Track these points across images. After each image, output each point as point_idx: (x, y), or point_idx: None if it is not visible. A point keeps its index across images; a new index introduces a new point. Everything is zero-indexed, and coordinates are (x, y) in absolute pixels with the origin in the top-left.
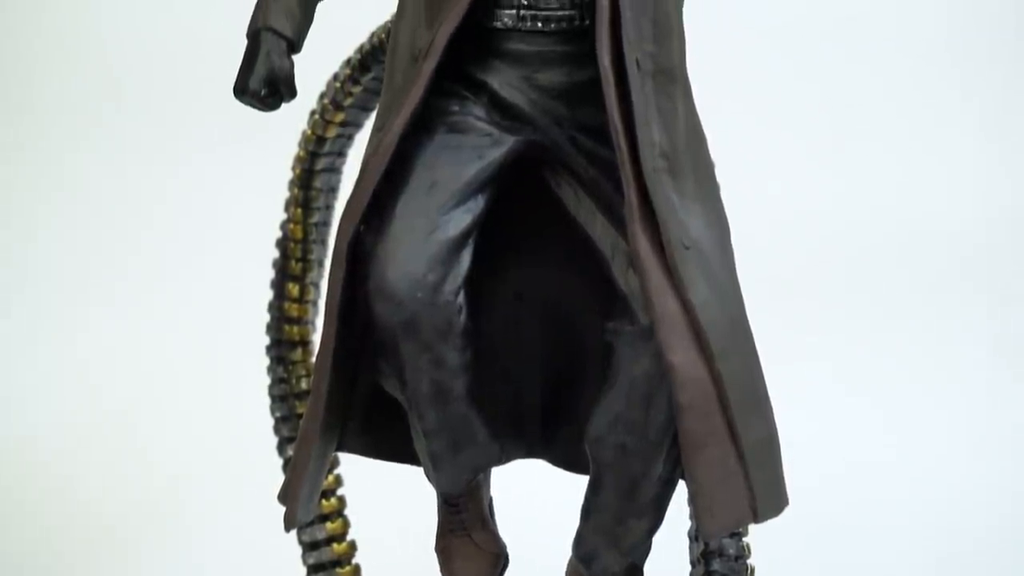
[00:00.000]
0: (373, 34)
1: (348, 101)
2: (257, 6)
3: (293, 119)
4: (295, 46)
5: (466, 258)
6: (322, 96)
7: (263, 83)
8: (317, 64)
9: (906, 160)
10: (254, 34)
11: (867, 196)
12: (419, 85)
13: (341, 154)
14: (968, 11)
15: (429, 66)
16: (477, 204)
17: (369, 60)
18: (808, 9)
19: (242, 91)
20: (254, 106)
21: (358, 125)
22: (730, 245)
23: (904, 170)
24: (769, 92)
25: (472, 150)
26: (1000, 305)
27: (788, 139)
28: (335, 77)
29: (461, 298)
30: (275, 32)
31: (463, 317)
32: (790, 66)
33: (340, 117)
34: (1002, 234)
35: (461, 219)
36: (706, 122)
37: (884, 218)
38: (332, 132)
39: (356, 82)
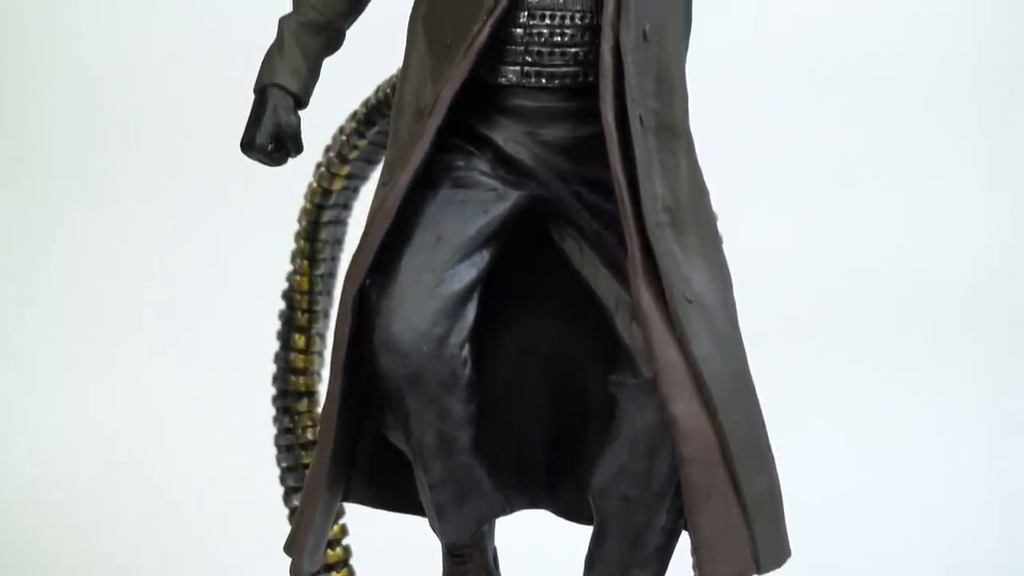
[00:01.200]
0: (379, 88)
1: (354, 154)
2: (264, 62)
3: (299, 172)
4: (302, 102)
5: (471, 311)
6: (328, 149)
7: (270, 138)
8: (323, 117)
9: (909, 210)
10: (261, 90)
11: (870, 246)
12: (424, 141)
13: (347, 207)
14: (974, 61)
15: (434, 122)
16: (482, 258)
17: (375, 114)
18: (812, 59)
19: (249, 146)
20: (261, 161)
21: (364, 178)
22: (732, 298)
23: (907, 221)
24: (772, 142)
25: (477, 205)
26: (1002, 356)
27: (791, 189)
28: (341, 130)
29: (466, 351)
30: (282, 88)
31: (468, 370)
32: (792, 116)
33: (346, 170)
34: (1006, 284)
35: (466, 273)
36: (709, 172)
37: (887, 268)
38: (338, 185)
39: (362, 136)
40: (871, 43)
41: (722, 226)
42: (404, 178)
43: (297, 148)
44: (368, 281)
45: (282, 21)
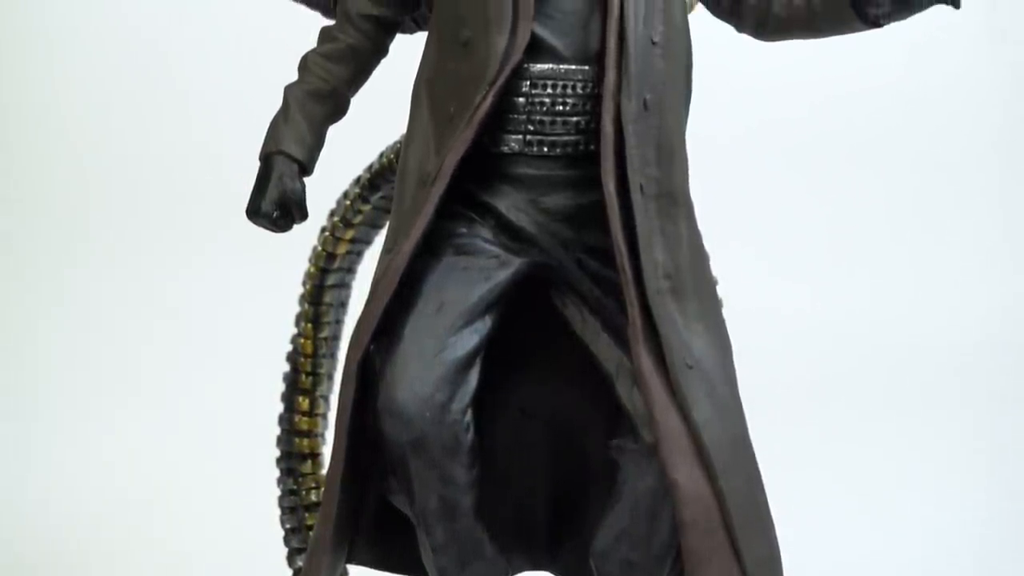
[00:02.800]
0: (383, 154)
1: (358, 219)
2: (270, 130)
3: (304, 235)
4: (307, 169)
5: (473, 377)
6: (332, 213)
7: (275, 206)
8: (327, 182)
9: (915, 277)
10: (266, 157)
11: (875, 312)
12: (427, 209)
13: (351, 270)
14: (981, 133)
15: (437, 191)
16: (484, 324)
17: (379, 179)
18: (821, 128)
19: (255, 213)
20: (266, 228)
21: (368, 242)
22: (732, 363)
23: (913, 288)
24: (778, 208)
25: (479, 272)
26: (1000, 417)
27: (796, 255)
28: (345, 195)
29: (468, 416)
30: (287, 156)
31: (470, 435)
32: (799, 182)
33: (350, 234)
34: (1010, 350)
35: (469, 339)
36: (715, 237)
37: (892, 334)
38: (342, 249)
39: (366, 201)
40: (879, 113)
41: (723, 290)
42: (408, 246)
43: (302, 215)
44: (372, 347)
45: (287, 89)
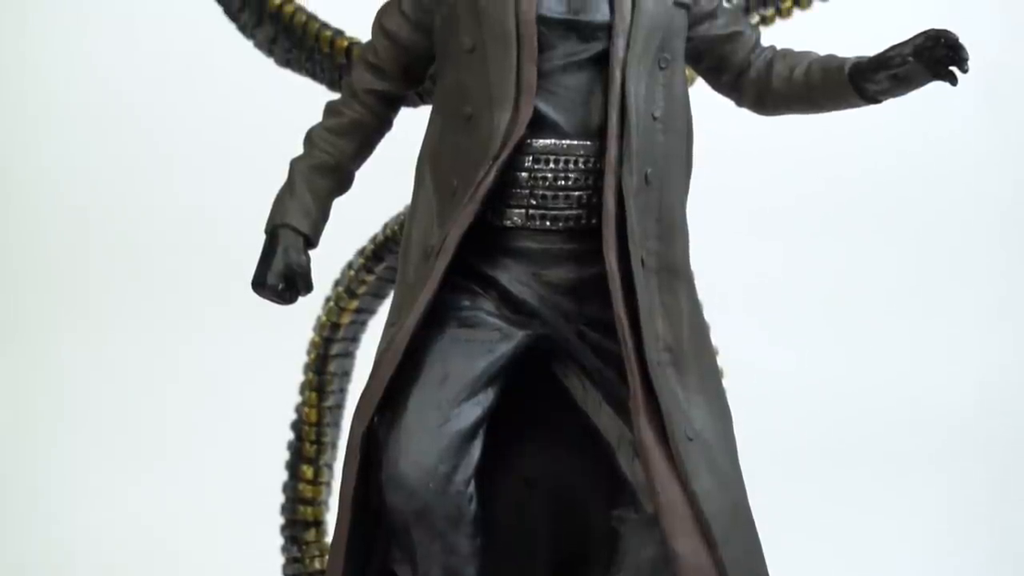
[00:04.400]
0: (386, 225)
1: (362, 289)
2: (275, 203)
3: (308, 304)
4: (311, 242)
5: (476, 448)
6: (336, 284)
7: (280, 278)
8: (332, 253)
9: (909, 343)
10: (272, 230)
11: (871, 378)
12: (431, 283)
13: (355, 340)
14: (965, 199)
15: (441, 264)
16: (487, 396)
17: (382, 250)
18: (810, 194)
19: (260, 285)
20: (271, 299)
21: (372, 312)
22: (732, 433)
23: (906, 353)
24: (774, 275)
25: (482, 344)
26: (994, 482)
27: (790, 321)
28: (349, 266)
29: (471, 487)
30: (292, 229)
31: (473, 505)
32: (792, 248)
33: (354, 305)
34: (995, 412)
35: (471, 411)
36: (708, 304)
37: (887, 399)
38: (346, 319)
39: (370, 271)
40: (875, 180)
41: (723, 359)
42: (412, 319)
43: (307, 287)
44: (376, 418)
45: (293, 163)
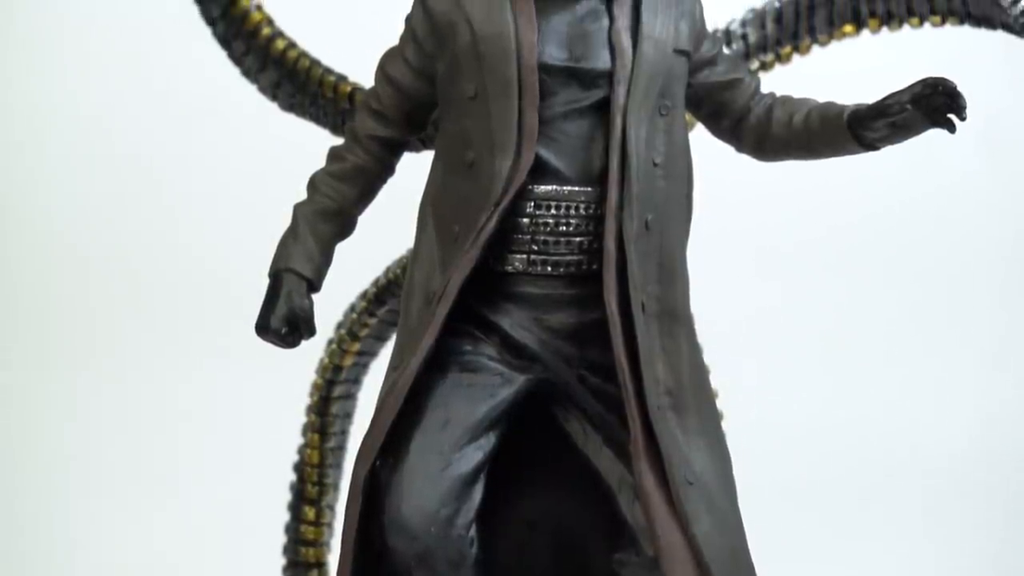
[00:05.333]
0: (388, 269)
1: (364, 332)
2: (279, 247)
3: (310, 347)
4: (315, 286)
5: (478, 492)
6: (339, 326)
7: (283, 322)
8: (334, 295)
9: (904, 382)
10: (275, 274)
11: (866, 417)
12: (433, 327)
13: (357, 382)
14: (966, 243)
15: (443, 310)
16: (488, 441)
17: (385, 294)
18: (811, 239)
19: (263, 329)
20: (275, 343)
21: (374, 354)
22: (731, 476)
23: (905, 397)
24: (772, 318)
25: (484, 388)
26: (998, 524)
27: (789, 360)
28: (352, 308)
29: (473, 531)
30: (296, 273)
31: (475, 549)
32: (792, 292)
33: (356, 347)
34: (996, 457)
35: (473, 456)
36: (709, 348)
37: (885, 442)
38: (348, 361)
39: (372, 314)
40: (876, 225)
41: (723, 402)
42: (414, 363)
43: (310, 331)
44: (379, 462)
45: (296, 208)
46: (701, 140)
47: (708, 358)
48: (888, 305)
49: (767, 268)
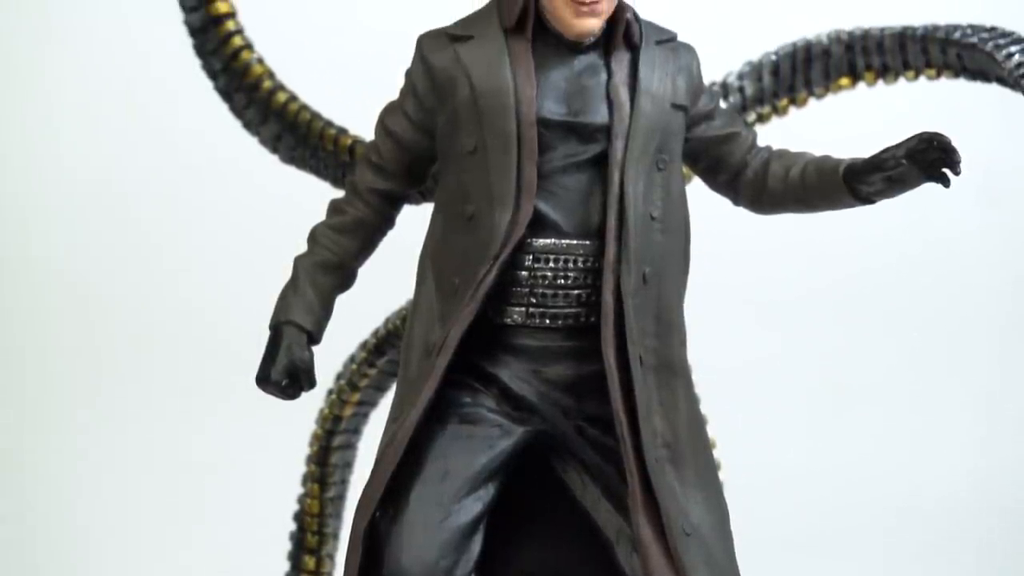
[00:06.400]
0: (388, 320)
1: (364, 382)
2: (279, 300)
3: (310, 397)
4: (315, 338)
5: (477, 543)
6: (339, 377)
7: (284, 374)
8: (334, 345)
9: (903, 432)
10: (276, 327)
11: (865, 466)
12: (432, 380)
13: (357, 431)
14: (965, 291)
15: (442, 362)
16: (487, 492)
17: (384, 344)
18: (810, 290)
19: (264, 381)
20: (275, 395)
21: (373, 404)
22: (729, 528)
23: (900, 442)
24: (769, 365)
25: (483, 440)
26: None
27: (787, 410)
28: (352, 359)
29: None
30: (296, 325)
31: None
32: (790, 342)
33: (356, 397)
34: (995, 504)
35: (472, 507)
36: (707, 397)
37: (881, 487)
38: (348, 411)
39: (372, 365)
40: (875, 272)
41: (720, 452)
42: (414, 415)
43: (310, 383)
44: (378, 513)
45: (297, 260)
46: (699, 192)
47: (705, 408)
48: (886, 355)
49: (766, 318)
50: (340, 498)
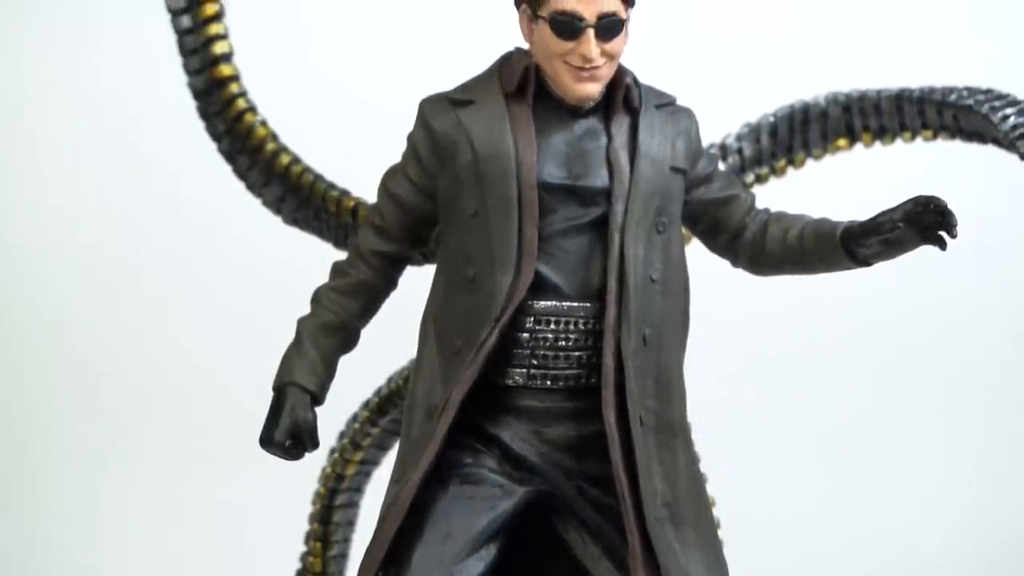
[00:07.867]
0: (391, 379)
1: (366, 441)
2: (283, 361)
3: (313, 456)
4: (318, 399)
5: None
6: (341, 436)
7: (287, 435)
8: (337, 404)
9: (902, 488)
10: (279, 388)
11: (864, 522)
12: (434, 441)
13: (359, 490)
14: (960, 346)
15: (444, 424)
16: (489, 552)
17: (387, 404)
18: (808, 347)
19: (267, 442)
20: (279, 456)
21: (376, 463)
22: None
23: (899, 498)
24: (768, 422)
25: (484, 501)
26: None
27: (786, 466)
28: (354, 418)
29: None
30: (299, 387)
31: None
32: (789, 399)
33: (359, 456)
34: (993, 556)
35: (474, 567)
36: (706, 455)
37: (880, 543)
38: (351, 470)
39: (374, 424)
40: (870, 325)
41: (720, 510)
42: (416, 476)
43: (314, 443)
44: (381, 574)
45: (300, 322)
46: (698, 253)
47: (705, 465)
48: (885, 411)
49: (764, 375)
50: (343, 556)
